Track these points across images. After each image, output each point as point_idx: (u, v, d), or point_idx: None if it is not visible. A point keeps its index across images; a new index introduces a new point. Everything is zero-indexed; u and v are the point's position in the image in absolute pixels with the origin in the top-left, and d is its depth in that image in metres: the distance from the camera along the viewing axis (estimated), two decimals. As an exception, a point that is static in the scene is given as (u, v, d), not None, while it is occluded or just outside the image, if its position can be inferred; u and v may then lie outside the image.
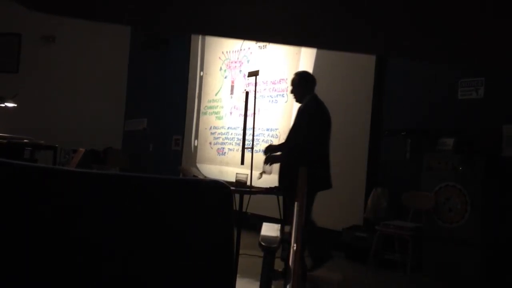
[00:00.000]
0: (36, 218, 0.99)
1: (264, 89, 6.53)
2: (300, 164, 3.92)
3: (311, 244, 4.11)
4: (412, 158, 4.88)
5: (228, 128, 7.18)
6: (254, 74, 4.23)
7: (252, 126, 4.53)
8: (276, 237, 1.39)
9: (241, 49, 7.17)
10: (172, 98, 8.55)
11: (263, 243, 1.37)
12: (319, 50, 5.90)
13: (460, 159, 4.17)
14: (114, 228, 1.01)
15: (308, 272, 4.06)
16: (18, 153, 5.49)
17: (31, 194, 1.00)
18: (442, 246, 4.21)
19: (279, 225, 1.51)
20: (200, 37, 8.04)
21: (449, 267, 4.16)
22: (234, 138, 7.01)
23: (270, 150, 4.14)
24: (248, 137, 4.30)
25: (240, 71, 7.09)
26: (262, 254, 1.39)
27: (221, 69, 7.55)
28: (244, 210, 3.81)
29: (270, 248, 1.36)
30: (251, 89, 4.36)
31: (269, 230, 1.42)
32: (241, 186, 3.58)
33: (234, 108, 7.09)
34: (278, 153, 4.14)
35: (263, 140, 6.42)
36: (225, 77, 7.42)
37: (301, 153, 3.94)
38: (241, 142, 4.41)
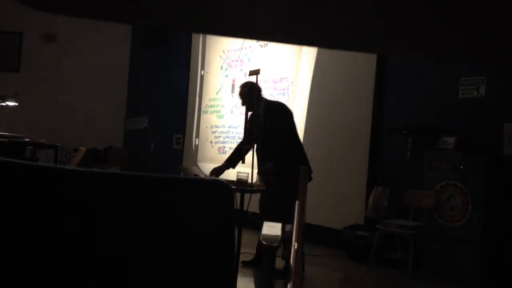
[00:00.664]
0: (37, 217, 0.99)
1: (265, 88, 6.54)
2: (296, 161, 4.00)
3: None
4: (413, 157, 4.88)
5: (229, 127, 7.18)
6: (255, 73, 4.23)
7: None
8: (277, 236, 1.39)
9: (242, 48, 7.17)
10: (173, 97, 8.55)
11: (264, 242, 1.37)
12: (320, 49, 5.89)
13: (461, 158, 4.17)
14: (115, 226, 1.01)
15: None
16: (19, 152, 5.49)
17: (32, 193, 1.00)
18: (443, 245, 4.21)
19: (280, 224, 1.51)
20: (201, 36, 8.03)
21: (450, 266, 4.16)
22: (235, 137, 7.01)
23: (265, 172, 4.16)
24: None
25: (241, 69, 7.08)
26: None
27: (222, 67, 7.54)
28: (245, 209, 3.81)
29: (271, 247, 1.36)
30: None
31: (270, 229, 1.42)
32: (242, 185, 3.58)
33: (235, 107, 7.09)
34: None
35: (264, 139, 6.42)
36: (226, 76, 7.42)
37: (294, 151, 4.13)
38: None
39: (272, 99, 4.44)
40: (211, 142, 7.54)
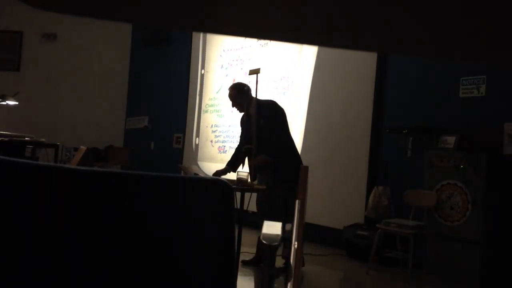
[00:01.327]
0: (37, 216, 0.99)
1: (265, 87, 6.53)
2: (291, 159, 4.05)
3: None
4: (413, 156, 4.88)
5: (229, 126, 7.18)
6: (255, 72, 4.23)
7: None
8: (278, 235, 1.38)
9: (242, 47, 7.16)
10: (174, 96, 8.55)
11: (264, 241, 1.37)
12: (321, 48, 5.89)
13: (461, 157, 4.17)
14: (115, 225, 1.01)
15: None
16: (19, 151, 5.49)
17: (32, 192, 1.00)
18: (444, 244, 4.21)
19: (280, 223, 1.51)
20: (201, 35, 8.03)
21: (450, 265, 4.16)
22: (235, 136, 7.01)
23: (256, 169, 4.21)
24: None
25: (241, 68, 7.08)
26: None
27: (222, 67, 7.54)
28: (245, 208, 3.82)
29: (271, 246, 1.36)
30: (252, 87, 4.36)
31: (270, 228, 1.42)
32: (242, 184, 3.58)
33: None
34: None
35: (264, 138, 6.41)
36: (226, 75, 7.42)
37: (289, 149, 4.21)
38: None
39: (263, 98, 4.45)
40: (211, 141, 7.54)
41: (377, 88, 5.36)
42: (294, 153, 4.31)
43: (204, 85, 7.89)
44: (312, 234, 5.34)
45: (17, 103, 6.21)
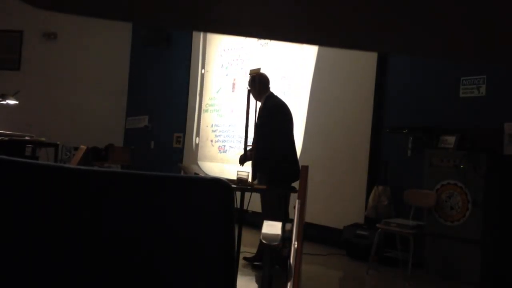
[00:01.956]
0: (37, 215, 0.99)
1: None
2: (269, 160, 4.05)
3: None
4: (413, 156, 4.88)
5: (229, 125, 7.18)
6: (255, 71, 4.23)
7: (254, 124, 4.53)
8: (277, 235, 1.39)
9: (242, 47, 7.16)
10: (174, 95, 8.55)
11: (264, 241, 1.37)
12: (321, 48, 5.89)
13: (461, 157, 4.17)
14: (115, 225, 1.01)
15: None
16: (19, 150, 5.49)
17: (33, 191, 1.00)
18: (444, 244, 4.22)
19: (280, 222, 1.51)
20: (201, 34, 8.03)
21: (450, 265, 4.16)
22: (235, 135, 7.01)
23: (243, 160, 4.30)
24: (250, 134, 4.30)
25: (242, 68, 7.08)
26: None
27: (222, 66, 7.54)
28: (245, 208, 3.82)
29: (271, 246, 1.36)
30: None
31: (270, 227, 1.42)
32: (242, 184, 3.58)
33: (236, 105, 7.09)
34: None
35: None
36: (227, 75, 7.41)
37: (270, 150, 4.14)
38: (243, 139, 4.41)
39: (277, 97, 4.43)
40: (212, 141, 7.53)
41: (377, 88, 5.35)
42: (288, 158, 4.20)
43: (204, 85, 7.89)
44: (312, 234, 5.33)
45: (17, 102, 6.21)
